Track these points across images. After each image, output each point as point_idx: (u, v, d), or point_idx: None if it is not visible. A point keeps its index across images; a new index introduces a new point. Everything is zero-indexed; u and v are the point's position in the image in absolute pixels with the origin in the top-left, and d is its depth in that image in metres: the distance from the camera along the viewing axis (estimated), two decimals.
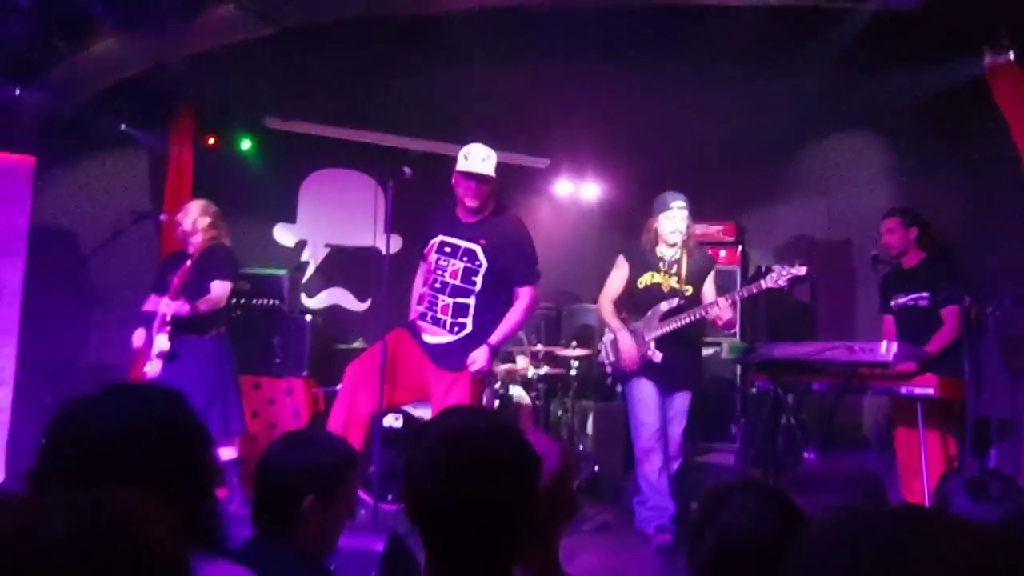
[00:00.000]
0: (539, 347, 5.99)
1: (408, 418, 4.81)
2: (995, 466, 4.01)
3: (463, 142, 3.94)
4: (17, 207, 5.21)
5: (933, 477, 4.14)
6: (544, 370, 5.94)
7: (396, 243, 5.23)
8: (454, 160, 3.93)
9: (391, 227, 4.10)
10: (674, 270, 4.54)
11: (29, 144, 5.38)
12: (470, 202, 3.82)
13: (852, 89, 5.00)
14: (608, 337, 4.74)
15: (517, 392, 5.83)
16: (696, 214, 6.46)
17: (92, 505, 0.89)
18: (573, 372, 5.93)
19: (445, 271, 3.86)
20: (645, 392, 4.49)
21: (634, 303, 4.61)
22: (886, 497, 1.84)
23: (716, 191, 6.76)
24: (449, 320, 3.83)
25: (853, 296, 5.60)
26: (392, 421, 4.79)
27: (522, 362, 5.93)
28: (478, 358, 3.79)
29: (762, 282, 4.35)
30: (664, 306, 4.48)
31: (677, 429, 4.57)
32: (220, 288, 4.63)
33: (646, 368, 4.48)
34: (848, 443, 4.62)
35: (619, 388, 6.66)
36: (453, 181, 3.89)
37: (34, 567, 0.82)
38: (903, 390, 4.16)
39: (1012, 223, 4.37)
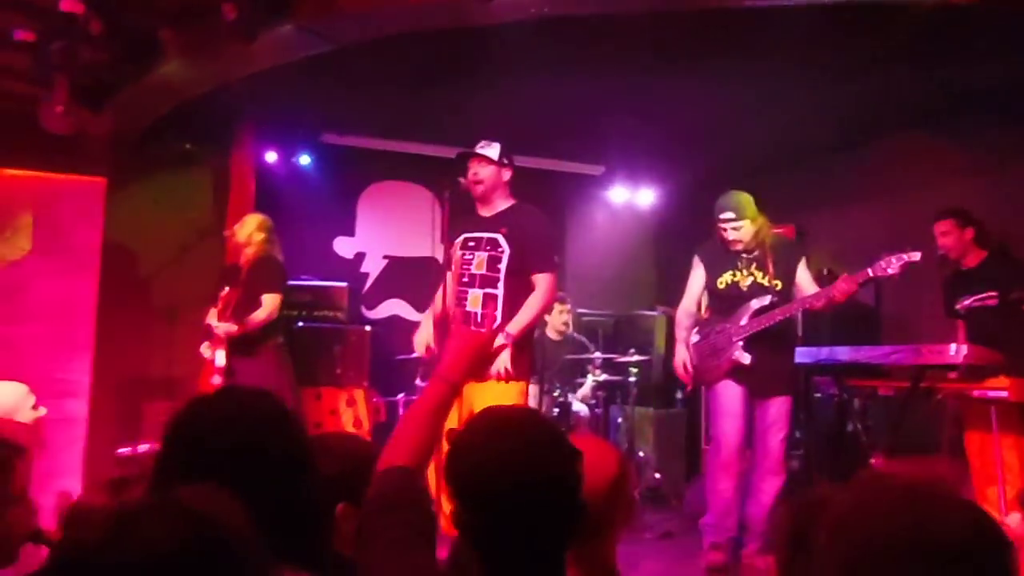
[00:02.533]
0: (598, 354, 5.97)
1: None
2: None
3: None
4: (90, 226, 5.43)
5: (1011, 483, 4.00)
6: (603, 377, 5.92)
7: None
8: None
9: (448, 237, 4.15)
10: (754, 267, 4.20)
11: (100, 166, 5.59)
12: (474, 191, 3.87)
13: (915, 85, 4.87)
14: (693, 339, 4.36)
15: (576, 403, 5.82)
16: None
17: (177, 509, 0.93)
18: (632, 379, 5.89)
19: (471, 264, 3.84)
20: (730, 399, 4.12)
21: (718, 305, 4.33)
22: None
23: (774, 193, 6.59)
24: (480, 312, 3.76)
25: (918, 299, 5.43)
26: None
27: (590, 380, 5.92)
28: (500, 362, 3.66)
29: (869, 271, 3.91)
30: (755, 303, 4.11)
31: (776, 439, 4.12)
32: (271, 301, 4.74)
33: (733, 372, 4.12)
34: (918, 449, 4.47)
35: (678, 395, 6.60)
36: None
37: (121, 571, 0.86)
38: (975, 393, 4.03)
39: None
